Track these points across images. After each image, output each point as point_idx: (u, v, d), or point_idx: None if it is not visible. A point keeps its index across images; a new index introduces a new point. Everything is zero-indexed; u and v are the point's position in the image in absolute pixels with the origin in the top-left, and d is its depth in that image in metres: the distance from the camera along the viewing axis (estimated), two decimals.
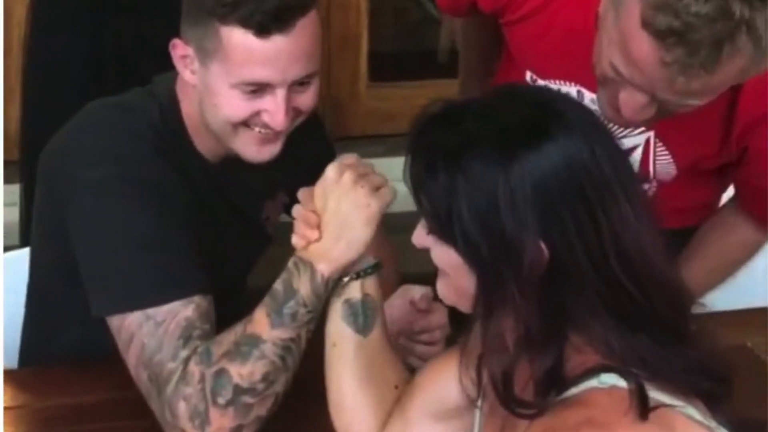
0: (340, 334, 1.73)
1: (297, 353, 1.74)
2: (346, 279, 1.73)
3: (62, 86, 2.73)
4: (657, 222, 1.46)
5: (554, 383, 1.41)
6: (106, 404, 1.93)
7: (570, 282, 1.41)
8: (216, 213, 1.98)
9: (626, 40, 1.62)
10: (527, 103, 1.46)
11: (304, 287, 1.72)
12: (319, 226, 1.71)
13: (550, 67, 1.95)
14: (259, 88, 1.81)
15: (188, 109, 1.93)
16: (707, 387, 1.43)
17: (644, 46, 1.59)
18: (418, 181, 1.47)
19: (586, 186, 1.41)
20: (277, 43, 1.78)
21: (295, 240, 1.74)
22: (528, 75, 2.01)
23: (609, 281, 1.41)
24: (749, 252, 2.13)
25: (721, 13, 1.53)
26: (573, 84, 1.93)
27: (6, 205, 3.40)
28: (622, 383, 1.38)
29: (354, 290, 1.73)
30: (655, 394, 1.38)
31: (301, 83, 1.84)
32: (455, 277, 1.48)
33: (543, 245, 1.40)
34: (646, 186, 2.01)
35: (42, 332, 2.10)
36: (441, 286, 1.54)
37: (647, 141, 1.97)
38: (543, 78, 1.99)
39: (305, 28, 1.80)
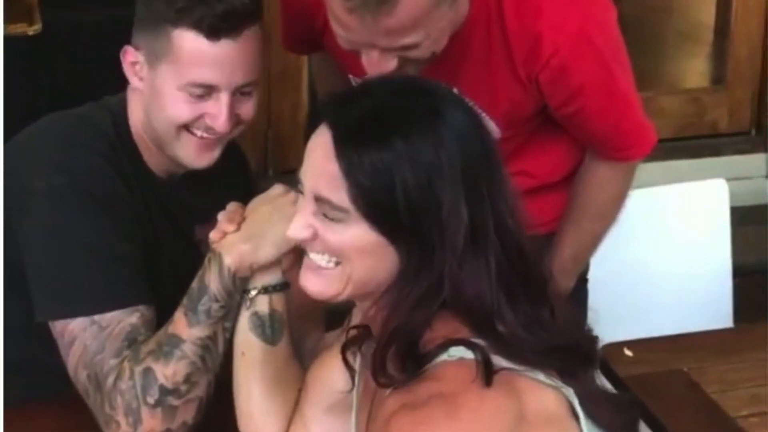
0: (248, 344, 1.77)
1: (216, 353, 1.78)
2: (254, 292, 1.76)
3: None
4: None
5: (412, 358, 1.46)
6: None
7: (479, 247, 1.47)
8: (158, 228, 2.01)
9: (330, 7, 1.77)
10: (408, 84, 1.56)
11: (214, 281, 1.75)
12: (239, 224, 1.76)
13: (358, 65, 1.97)
14: (204, 92, 1.88)
15: (135, 119, 1.98)
16: (565, 363, 1.49)
17: (334, 4, 1.74)
18: (349, 163, 1.47)
19: (487, 152, 1.51)
20: (225, 47, 1.85)
21: (213, 233, 1.77)
22: (351, 80, 2.08)
23: (505, 244, 1.48)
24: (616, 187, 2.18)
25: None
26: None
27: None
28: (469, 355, 1.43)
29: (262, 304, 1.77)
30: (502, 362, 1.44)
31: (242, 92, 1.91)
32: (360, 261, 1.50)
33: (466, 210, 1.46)
34: None
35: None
36: (326, 280, 1.54)
37: None
38: (360, 76, 2.03)
39: (251, 36, 1.88)
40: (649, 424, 1.95)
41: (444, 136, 1.48)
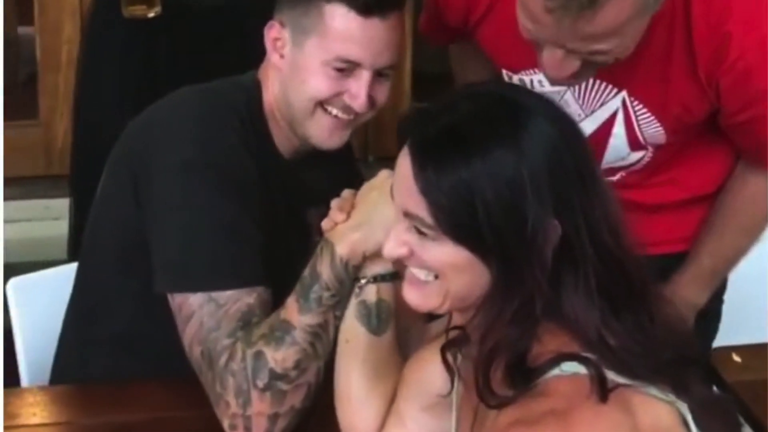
0: (353, 332, 1.78)
1: (326, 341, 1.79)
2: (363, 281, 1.78)
3: (115, 105, 2.76)
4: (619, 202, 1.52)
5: (521, 373, 1.45)
6: (152, 423, 1.93)
7: (573, 260, 1.46)
8: (277, 208, 2.03)
9: (524, 0, 1.74)
10: (494, 96, 1.52)
11: (325, 270, 1.77)
12: (349, 213, 1.77)
13: (517, 59, 2.01)
14: (348, 68, 1.92)
15: (268, 97, 2.01)
16: (676, 376, 1.47)
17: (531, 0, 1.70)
18: (427, 182, 1.46)
19: (579, 163, 1.47)
20: (374, 25, 1.91)
21: (324, 222, 1.80)
22: (504, 74, 2.07)
23: (603, 257, 1.46)
24: (764, 201, 2.11)
25: None
26: (539, 70, 1.96)
27: (54, 219, 3.45)
28: (582, 370, 1.42)
29: (370, 293, 1.78)
30: (616, 377, 1.42)
31: (381, 74, 1.95)
32: (456, 277, 1.49)
33: (558, 224, 1.44)
34: (641, 153, 2.07)
35: (79, 349, 2.12)
36: (426, 294, 1.54)
37: (623, 102, 2.01)
38: (515, 72, 2.04)
39: (398, 20, 1.94)
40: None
41: (527, 150, 1.45)
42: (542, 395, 1.42)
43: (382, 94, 1.97)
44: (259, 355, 1.78)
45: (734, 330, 2.19)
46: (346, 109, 1.95)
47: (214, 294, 1.83)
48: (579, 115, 2.02)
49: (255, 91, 2.02)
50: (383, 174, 1.77)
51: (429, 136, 1.48)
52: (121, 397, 2.00)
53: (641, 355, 1.45)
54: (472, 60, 2.18)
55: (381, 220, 1.71)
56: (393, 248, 1.53)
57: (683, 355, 1.51)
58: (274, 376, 1.77)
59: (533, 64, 1.92)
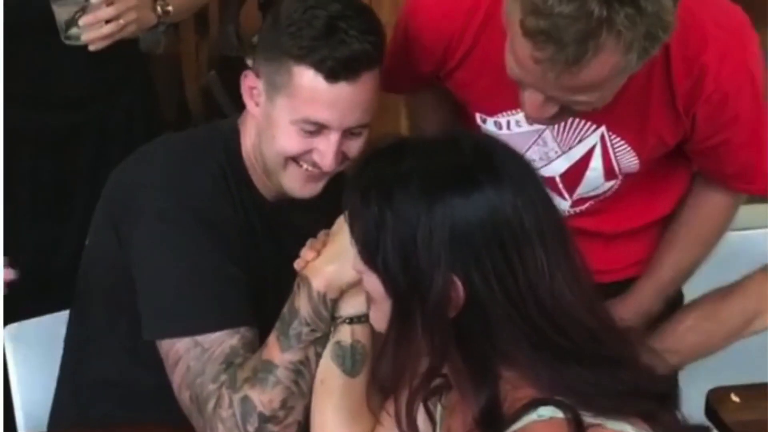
0: (328, 372, 1.80)
1: (309, 377, 1.81)
2: (338, 320, 1.79)
3: None
4: (580, 265, 1.55)
5: (494, 421, 1.47)
6: None
7: (489, 322, 1.49)
8: (265, 251, 2.05)
9: (513, 45, 1.75)
10: (466, 149, 1.55)
11: (304, 305, 1.80)
12: (320, 251, 1.81)
13: (492, 103, 2.03)
14: (316, 129, 1.92)
15: (246, 143, 2.03)
16: (644, 406, 1.49)
17: (523, 47, 1.72)
18: (352, 211, 1.56)
19: (505, 237, 1.49)
20: (342, 89, 1.89)
21: (296, 263, 1.83)
22: (477, 117, 2.08)
23: (529, 323, 1.48)
24: (725, 216, 2.18)
25: (581, 13, 1.64)
26: (517, 111, 1.99)
27: None
28: (559, 414, 1.44)
29: (345, 334, 1.80)
30: (592, 419, 1.45)
31: (353, 132, 1.94)
32: (380, 304, 1.56)
33: (457, 283, 1.48)
34: (613, 182, 2.10)
35: (75, 394, 2.13)
36: (372, 313, 1.62)
37: (602, 137, 2.03)
38: (490, 116, 2.06)
39: (369, 81, 1.91)
40: None
41: (437, 205, 1.49)
42: None
43: (355, 148, 1.96)
44: (245, 400, 1.79)
45: (733, 370, 2.19)
46: (317, 165, 1.95)
47: (199, 338, 1.85)
48: (556, 152, 2.05)
49: (233, 136, 2.04)
50: None
51: (357, 187, 1.56)
52: None
53: (604, 392, 1.47)
54: (441, 103, 2.19)
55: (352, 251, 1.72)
56: (355, 266, 1.60)
57: (652, 390, 1.52)
58: (264, 419, 1.79)
59: (511, 105, 1.96)
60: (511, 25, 1.72)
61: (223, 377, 1.82)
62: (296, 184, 1.99)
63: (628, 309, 2.13)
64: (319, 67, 1.88)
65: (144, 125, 2.55)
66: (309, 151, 1.94)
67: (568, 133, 2.02)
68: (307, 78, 1.89)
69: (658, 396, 1.52)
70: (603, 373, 1.49)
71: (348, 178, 1.61)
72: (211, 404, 1.81)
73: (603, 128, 2.01)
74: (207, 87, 3.85)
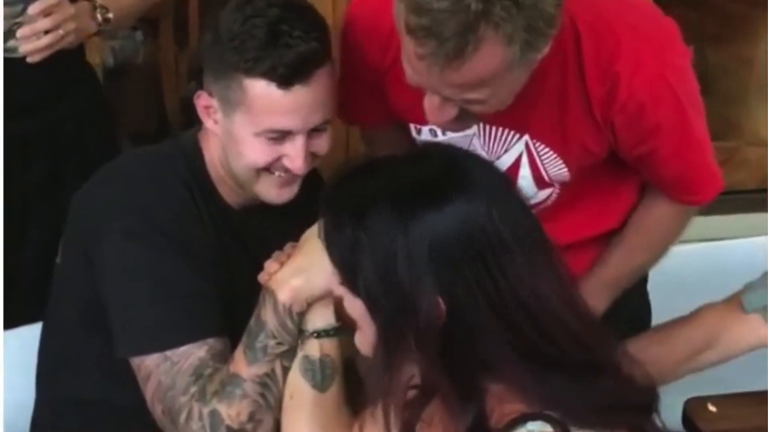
0: (297, 387, 1.78)
1: (275, 390, 1.80)
2: (305, 334, 1.78)
3: None
4: (562, 269, 1.55)
5: None
6: None
7: (473, 334, 1.48)
8: (233, 261, 2.04)
9: (403, 45, 1.75)
10: (435, 163, 1.56)
11: (270, 318, 1.79)
12: (283, 263, 1.79)
13: (421, 112, 1.98)
14: (280, 136, 1.91)
15: (211, 157, 2.02)
16: (631, 419, 1.49)
17: (408, 45, 1.72)
18: (327, 235, 1.56)
19: (483, 246, 1.49)
20: (298, 93, 1.88)
21: (260, 276, 1.81)
22: (412, 128, 2.08)
23: (514, 331, 1.48)
24: (675, 224, 2.19)
25: (459, 8, 1.65)
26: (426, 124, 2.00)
27: None
28: (548, 429, 1.44)
29: (313, 348, 1.78)
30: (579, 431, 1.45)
31: (317, 129, 1.94)
32: (364, 327, 1.55)
33: (440, 300, 1.47)
34: (549, 191, 2.09)
35: (53, 408, 2.13)
36: (357, 337, 1.60)
37: (527, 145, 2.03)
38: (424, 124, 2.04)
39: (322, 78, 1.90)
40: None
41: (412, 222, 1.49)
42: None
43: (323, 144, 1.96)
44: (214, 414, 1.79)
45: (710, 380, 2.19)
46: (288, 170, 1.95)
47: (168, 352, 1.84)
48: None
49: (195, 150, 2.02)
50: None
51: (331, 206, 1.56)
52: None
53: (598, 408, 1.47)
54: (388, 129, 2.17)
55: (322, 266, 1.69)
56: (335, 290, 1.61)
57: (636, 402, 1.52)
58: None
59: (422, 119, 1.94)
60: (399, 27, 1.72)
61: (193, 389, 1.82)
62: (272, 191, 1.98)
63: None
64: (270, 76, 1.86)
65: (96, 138, 2.52)
66: (278, 159, 1.93)
67: (494, 142, 2.02)
68: (261, 89, 1.87)
69: (642, 408, 1.53)
70: (588, 383, 1.49)
71: (320, 202, 1.59)
72: (182, 417, 1.81)
73: (527, 136, 2.01)
74: (187, 98, 3.84)
